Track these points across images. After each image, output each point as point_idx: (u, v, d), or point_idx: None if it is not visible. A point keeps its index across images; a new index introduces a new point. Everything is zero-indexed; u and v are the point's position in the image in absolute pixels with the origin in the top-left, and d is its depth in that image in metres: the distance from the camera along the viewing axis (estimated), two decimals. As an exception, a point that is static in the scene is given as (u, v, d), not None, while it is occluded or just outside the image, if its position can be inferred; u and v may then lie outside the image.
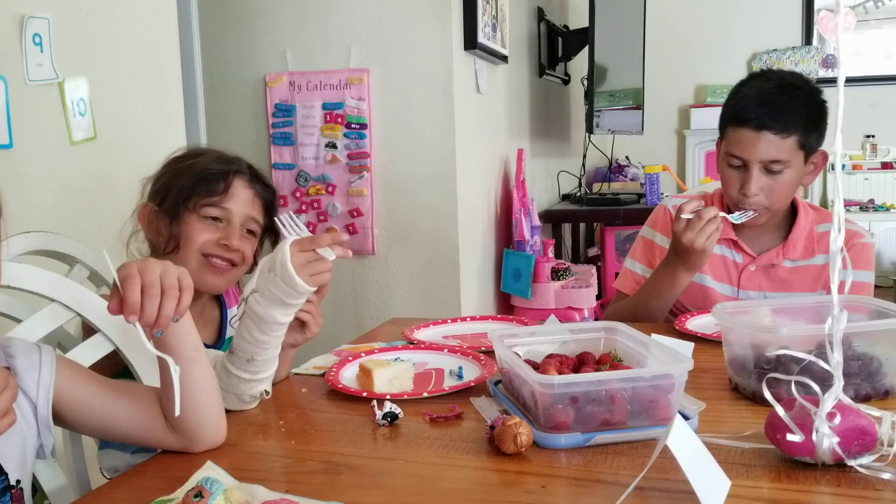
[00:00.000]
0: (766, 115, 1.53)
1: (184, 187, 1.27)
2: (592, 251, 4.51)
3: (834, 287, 0.85)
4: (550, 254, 3.43)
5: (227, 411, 1.05)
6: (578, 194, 4.20)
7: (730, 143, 1.59)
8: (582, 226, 4.50)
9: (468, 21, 2.85)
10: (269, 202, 1.37)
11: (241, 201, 1.31)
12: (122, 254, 1.32)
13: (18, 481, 0.89)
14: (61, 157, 1.71)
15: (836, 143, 0.87)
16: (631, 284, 1.78)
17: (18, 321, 1.13)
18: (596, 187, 4.47)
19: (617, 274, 1.89)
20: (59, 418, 0.96)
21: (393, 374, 1.19)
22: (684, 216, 1.52)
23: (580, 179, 4.34)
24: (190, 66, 2.76)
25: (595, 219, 4.16)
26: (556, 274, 3.26)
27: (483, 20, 2.93)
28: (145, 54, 1.96)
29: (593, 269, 3.54)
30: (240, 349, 1.12)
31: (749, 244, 1.68)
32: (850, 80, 4.60)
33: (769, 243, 1.69)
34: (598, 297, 3.55)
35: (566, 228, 4.23)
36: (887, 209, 4.61)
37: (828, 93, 1.56)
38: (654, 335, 1.13)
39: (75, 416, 0.96)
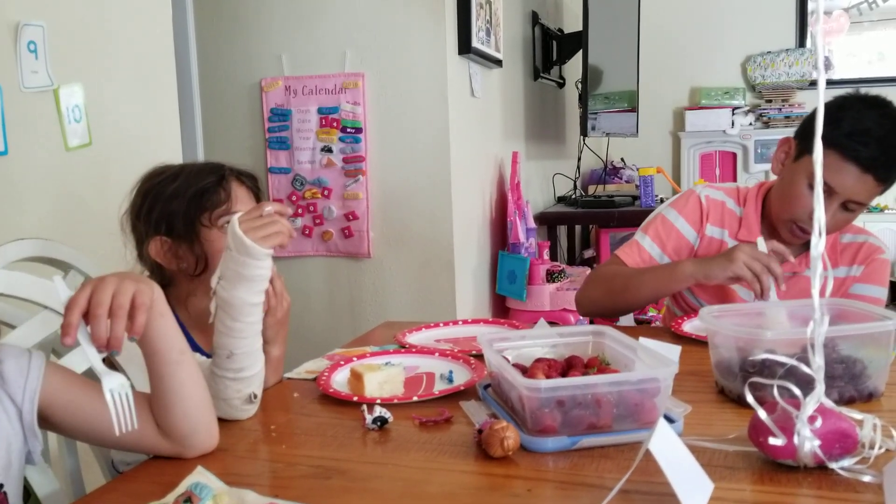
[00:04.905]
0: (880, 160, 1.46)
1: (189, 208, 1.28)
2: (588, 253, 4.52)
3: (815, 291, 0.86)
4: (545, 256, 3.44)
5: (221, 420, 1.06)
6: (573, 196, 4.22)
7: (824, 168, 1.49)
8: (577, 228, 4.52)
9: (462, 26, 2.86)
10: (258, 189, 1.38)
11: (243, 200, 1.32)
12: (119, 266, 1.33)
13: (2, 485, 0.90)
14: (57, 163, 1.72)
15: (816, 148, 0.89)
16: (634, 257, 1.73)
17: (13, 327, 1.14)
18: (591, 189, 4.48)
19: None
20: (50, 424, 0.96)
21: (383, 378, 1.20)
22: (760, 242, 1.49)
23: (575, 182, 4.36)
24: (186, 71, 2.78)
25: (590, 221, 4.17)
26: (552, 276, 3.28)
27: (477, 25, 2.95)
28: (141, 60, 1.97)
29: (588, 271, 3.54)
30: (219, 346, 1.11)
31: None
32: (844, 82, 4.63)
33: (793, 252, 1.63)
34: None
35: (561, 230, 4.24)
36: (881, 210, 4.62)
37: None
38: (641, 339, 1.15)
39: (68, 421, 0.96)
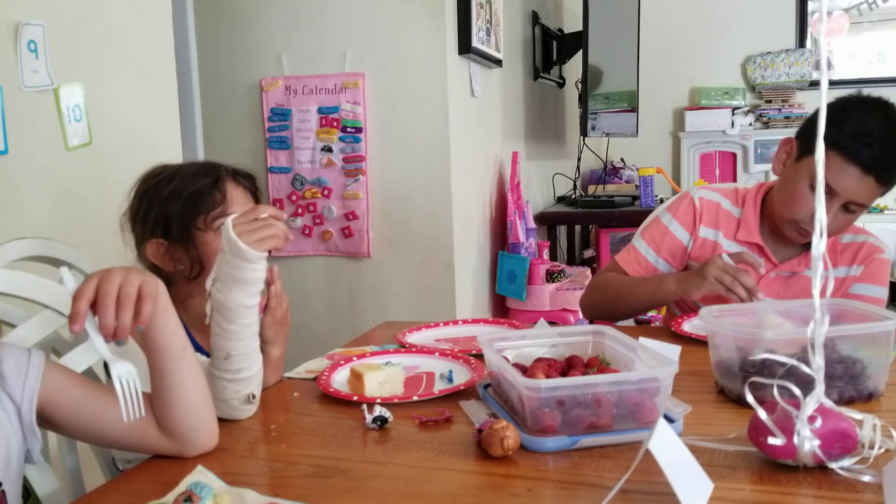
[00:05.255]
0: (882, 162, 1.46)
1: (184, 211, 1.28)
2: (587, 253, 4.53)
3: (815, 291, 0.86)
4: (545, 256, 3.44)
5: (221, 419, 1.06)
6: (573, 196, 4.22)
7: (826, 169, 1.46)
8: (577, 228, 4.52)
9: (462, 26, 2.86)
10: (256, 189, 1.38)
11: (240, 201, 1.32)
12: (119, 264, 1.33)
13: (1, 484, 0.89)
14: (57, 162, 1.72)
15: (818, 149, 0.88)
16: (631, 263, 1.75)
17: (14, 327, 1.14)
18: (591, 189, 4.49)
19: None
20: (50, 423, 0.96)
21: (384, 377, 1.20)
22: (724, 258, 1.50)
23: (575, 182, 4.36)
24: (186, 71, 2.78)
25: (590, 221, 4.18)
26: (551, 276, 3.28)
27: (477, 25, 2.95)
28: (141, 60, 1.97)
29: (588, 271, 3.55)
30: (216, 347, 1.11)
31: (773, 251, 1.66)
32: (844, 83, 4.64)
33: (792, 252, 1.66)
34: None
35: (561, 230, 4.24)
36: (880, 210, 4.63)
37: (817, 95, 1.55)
38: (641, 339, 1.15)
39: (68, 420, 0.96)
